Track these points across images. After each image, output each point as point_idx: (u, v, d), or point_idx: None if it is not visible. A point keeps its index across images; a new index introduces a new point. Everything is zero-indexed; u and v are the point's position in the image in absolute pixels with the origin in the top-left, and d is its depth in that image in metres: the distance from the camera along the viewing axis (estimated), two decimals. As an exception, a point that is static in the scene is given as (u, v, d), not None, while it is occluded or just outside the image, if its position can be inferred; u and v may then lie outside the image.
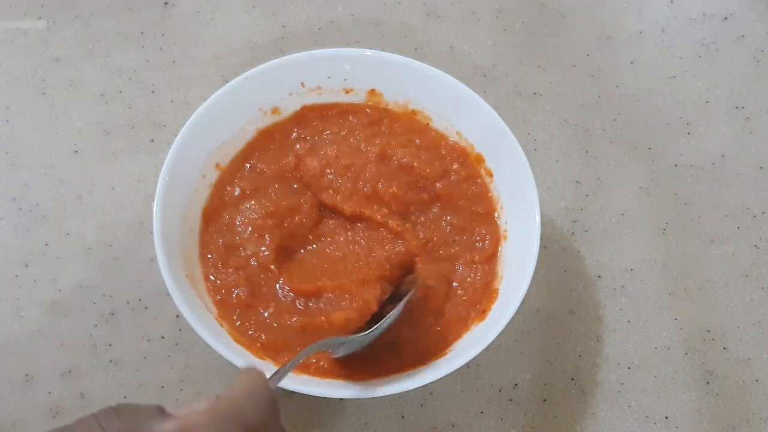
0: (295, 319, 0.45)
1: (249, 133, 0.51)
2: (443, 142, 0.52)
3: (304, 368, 0.44)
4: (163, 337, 0.49)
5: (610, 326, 0.51)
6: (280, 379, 0.38)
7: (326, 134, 0.52)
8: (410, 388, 0.42)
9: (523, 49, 0.61)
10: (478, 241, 0.49)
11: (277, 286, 0.46)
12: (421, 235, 0.49)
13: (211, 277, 0.46)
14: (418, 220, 0.49)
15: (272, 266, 0.47)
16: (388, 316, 0.44)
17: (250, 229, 0.48)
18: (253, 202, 0.48)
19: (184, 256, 0.46)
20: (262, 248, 0.47)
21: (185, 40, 0.59)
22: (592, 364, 0.50)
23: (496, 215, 0.49)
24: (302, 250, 0.48)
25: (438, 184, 0.50)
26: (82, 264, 0.51)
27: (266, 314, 0.45)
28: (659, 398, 0.49)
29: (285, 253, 0.48)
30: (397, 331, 0.45)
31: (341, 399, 0.48)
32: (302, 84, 0.51)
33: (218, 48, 0.59)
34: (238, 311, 0.46)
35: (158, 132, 0.56)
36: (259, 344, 0.45)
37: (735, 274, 0.53)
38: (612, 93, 0.60)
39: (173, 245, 0.45)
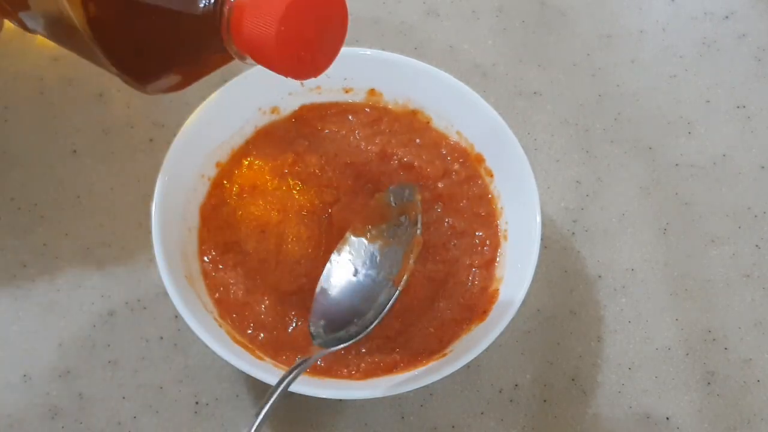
0: (293, 313, 0.45)
1: (248, 133, 0.51)
2: (443, 142, 0.51)
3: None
4: (161, 338, 0.49)
5: (611, 326, 0.51)
6: (289, 384, 0.38)
7: (326, 133, 0.52)
8: (410, 389, 0.42)
9: (523, 48, 0.61)
10: (477, 246, 0.48)
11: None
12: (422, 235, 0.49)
13: (210, 276, 0.46)
14: (421, 220, 0.49)
15: (270, 259, 0.47)
16: (382, 313, 0.43)
17: (247, 225, 0.48)
18: (250, 199, 0.48)
19: (182, 256, 0.46)
20: (261, 244, 0.47)
21: (184, 40, 0.59)
22: (593, 364, 0.50)
23: (496, 216, 0.49)
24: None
25: (439, 184, 0.50)
26: (81, 264, 0.51)
27: (263, 308, 0.45)
28: (660, 399, 0.49)
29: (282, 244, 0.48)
30: (392, 331, 0.46)
31: (341, 399, 0.48)
32: (301, 83, 0.51)
33: (217, 47, 0.59)
34: (237, 309, 0.46)
35: (157, 132, 0.56)
36: (258, 343, 0.45)
37: (736, 274, 0.53)
38: (612, 92, 0.59)
39: (172, 245, 0.45)
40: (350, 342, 0.42)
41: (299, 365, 0.40)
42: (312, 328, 0.43)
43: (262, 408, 0.37)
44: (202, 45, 0.39)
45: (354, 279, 0.44)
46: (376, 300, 0.43)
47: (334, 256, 0.44)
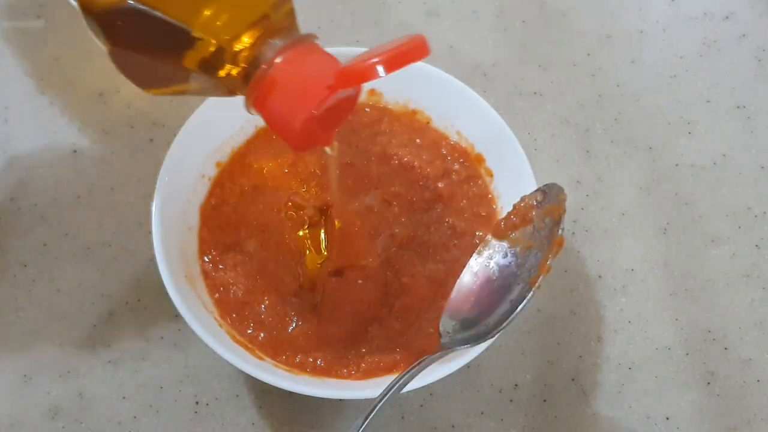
0: (293, 313, 0.46)
1: (248, 133, 0.51)
2: (444, 142, 0.51)
3: (304, 368, 0.44)
4: (162, 338, 0.49)
5: (611, 326, 0.51)
6: (399, 389, 0.38)
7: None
8: (410, 389, 0.42)
9: (523, 48, 0.61)
10: (478, 246, 0.48)
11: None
12: (422, 235, 0.49)
13: (210, 275, 0.46)
14: (422, 220, 0.49)
15: (270, 259, 0.47)
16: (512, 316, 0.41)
17: (247, 225, 0.48)
18: (251, 199, 0.48)
19: (183, 256, 0.46)
20: (261, 244, 0.47)
21: (184, 40, 0.59)
22: (593, 364, 0.50)
23: (497, 216, 0.49)
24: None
25: (439, 184, 0.50)
26: (81, 264, 0.51)
27: (263, 308, 0.45)
28: (660, 399, 0.49)
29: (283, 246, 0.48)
30: (392, 331, 0.46)
31: (341, 399, 0.48)
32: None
33: (217, 47, 0.59)
34: (237, 309, 0.46)
35: (157, 131, 0.56)
36: (258, 342, 0.45)
37: (736, 274, 0.53)
38: (612, 92, 0.59)
39: (172, 245, 0.45)
40: (477, 343, 0.41)
41: (421, 362, 0.40)
42: (441, 327, 0.42)
43: (380, 400, 0.38)
44: (216, 89, 0.39)
45: (492, 282, 0.43)
46: (508, 301, 0.42)
47: (473, 258, 0.43)
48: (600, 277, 0.53)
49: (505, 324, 0.41)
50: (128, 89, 0.57)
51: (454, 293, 0.43)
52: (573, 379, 0.49)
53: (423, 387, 0.42)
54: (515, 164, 0.48)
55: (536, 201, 0.43)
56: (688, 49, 0.62)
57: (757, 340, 0.51)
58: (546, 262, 0.41)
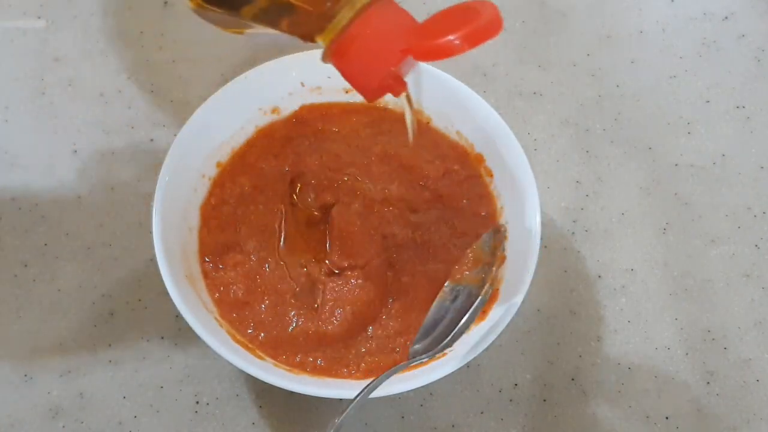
0: (293, 312, 0.46)
1: (248, 133, 0.51)
2: (444, 142, 0.51)
3: (304, 368, 0.45)
4: (162, 337, 0.49)
5: (611, 326, 0.51)
6: (367, 395, 0.40)
7: (327, 133, 0.52)
8: (410, 388, 0.42)
9: (523, 49, 0.61)
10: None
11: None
12: (422, 235, 0.49)
13: (210, 275, 0.46)
14: (422, 220, 0.49)
15: (270, 259, 0.47)
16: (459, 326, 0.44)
17: (247, 225, 0.48)
18: (250, 199, 0.49)
19: (183, 256, 0.46)
20: (261, 244, 0.47)
21: (185, 40, 0.59)
22: (593, 364, 0.50)
23: (496, 216, 0.49)
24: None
25: (439, 184, 0.50)
26: (81, 264, 0.51)
27: (263, 308, 0.45)
28: (660, 398, 0.49)
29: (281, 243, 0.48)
30: (392, 331, 0.46)
31: (341, 399, 0.48)
32: (302, 83, 0.51)
33: (218, 48, 0.59)
34: (237, 309, 0.46)
35: (158, 132, 0.56)
36: (258, 342, 0.45)
37: (736, 274, 0.53)
38: (612, 92, 0.59)
39: (172, 245, 0.45)
40: (435, 351, 0.44)
41: (389, 373, 0.42)
42: (411, 350, 0.44)
43: (346, 409, 0.40)
44: (290, 35, 0.40)
45: (451, 312, 0.46)
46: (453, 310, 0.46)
47: (436, 302, 0.46)
48: (600, 277, 0.53)
49: (456, 329, 0.44)
50: (129, 89, 0.57)
51: (420, 331, 0.45)
52: (573, 379, 0.49)
53: (423, 387, 0.42)
54: (515, 164, 0.48)
55: (484, 246, 0.47)
56: (688, 49, 0.62)
57: (756, 340, 0.51)
58: (490, 273, 0.46)
